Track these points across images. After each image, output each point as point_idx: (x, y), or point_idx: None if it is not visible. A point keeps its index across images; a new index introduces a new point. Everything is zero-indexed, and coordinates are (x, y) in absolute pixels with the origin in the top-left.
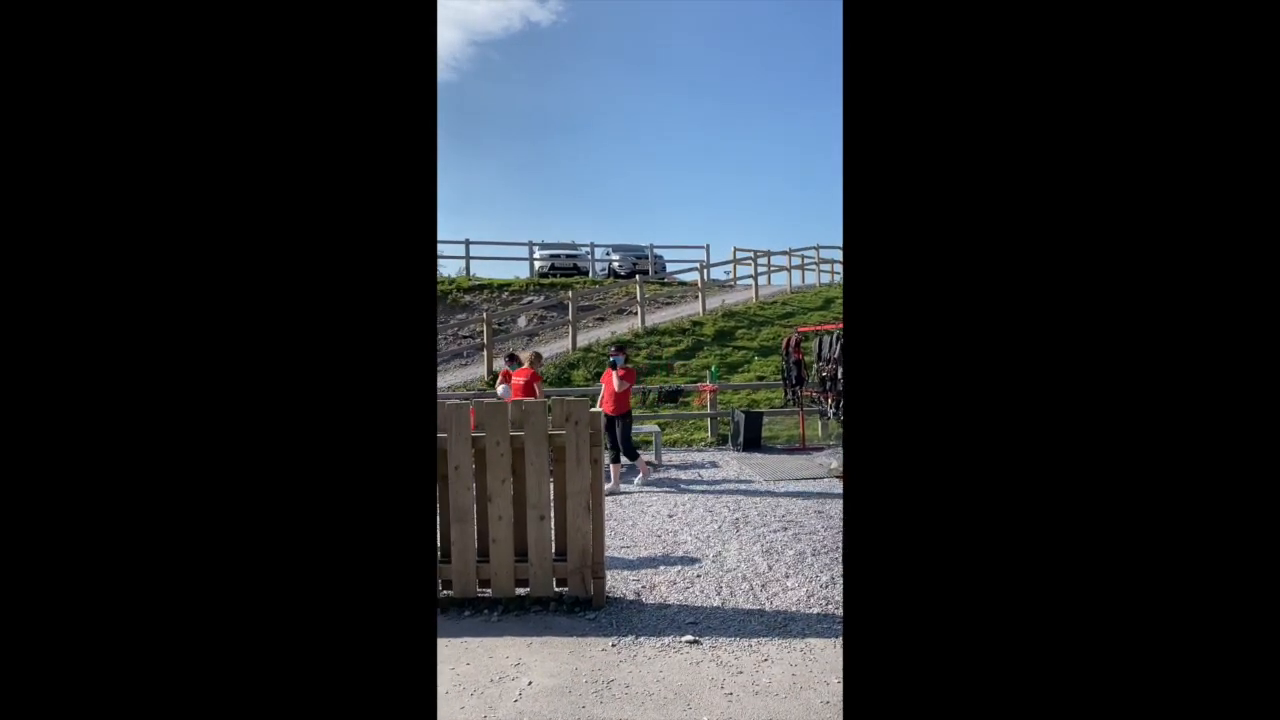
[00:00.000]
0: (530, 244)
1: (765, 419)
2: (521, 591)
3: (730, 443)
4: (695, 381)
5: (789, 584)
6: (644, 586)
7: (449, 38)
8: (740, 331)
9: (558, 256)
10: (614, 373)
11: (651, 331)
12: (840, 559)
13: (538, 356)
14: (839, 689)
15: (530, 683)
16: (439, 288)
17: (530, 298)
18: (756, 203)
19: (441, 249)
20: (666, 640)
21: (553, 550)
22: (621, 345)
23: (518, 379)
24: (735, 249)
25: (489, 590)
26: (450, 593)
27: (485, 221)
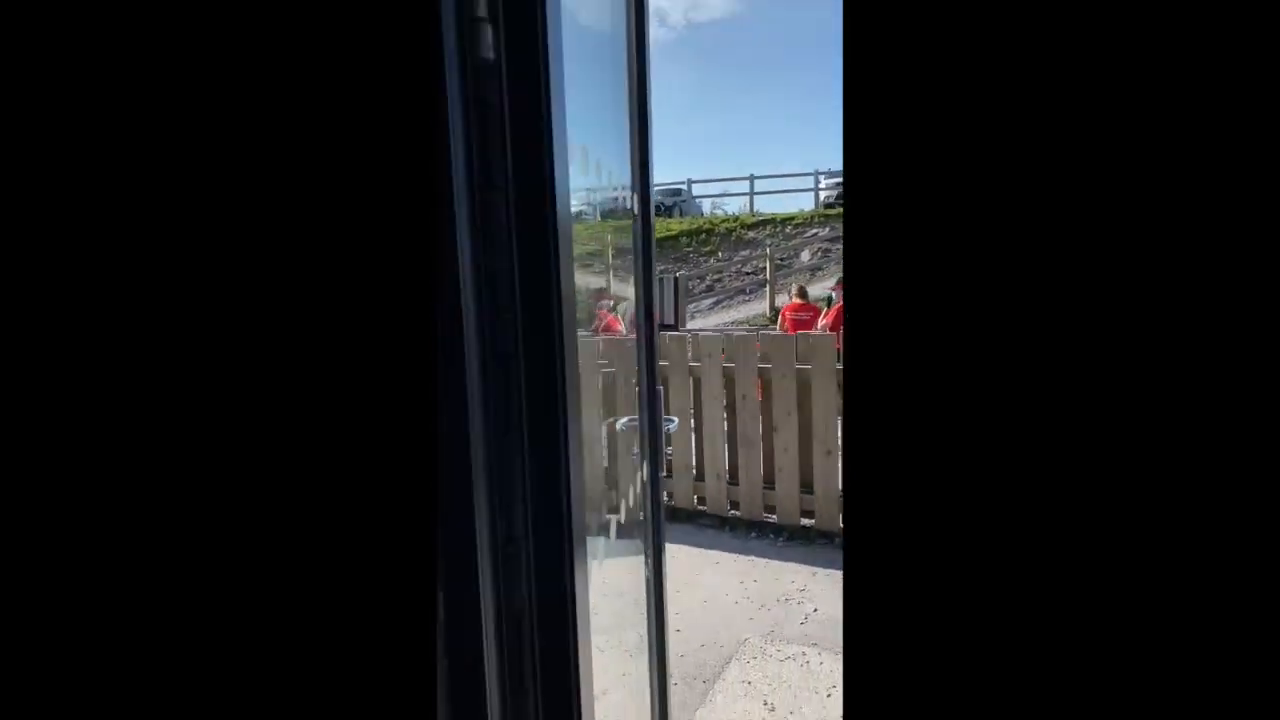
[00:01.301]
0: (816, 173)
1: None
2: (806, 523)
3: None
4: None
5: None
6: None
7: None
8: None
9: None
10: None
11: None
12: None
13: (803, 291)
14: None
15: (816, 609)
16: (725, 225)
17: (815, 230)
18: None
19: (727, 187)
20: None
21: (839, 486)
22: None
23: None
24: None
25: (774, 516)
26: (738, 513)
27: (770, 158)
